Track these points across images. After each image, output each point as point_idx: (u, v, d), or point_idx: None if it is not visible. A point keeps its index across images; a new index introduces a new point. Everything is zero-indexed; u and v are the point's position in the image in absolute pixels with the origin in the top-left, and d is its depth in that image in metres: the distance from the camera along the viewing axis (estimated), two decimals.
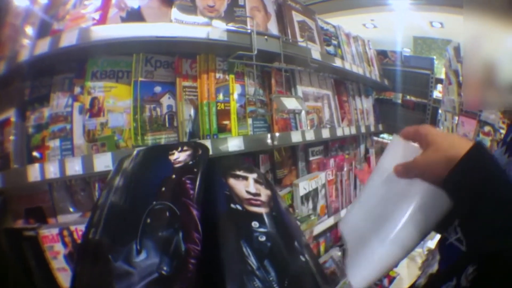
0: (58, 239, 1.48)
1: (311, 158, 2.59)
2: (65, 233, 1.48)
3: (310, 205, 2.29)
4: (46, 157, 1.60)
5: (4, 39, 1.71)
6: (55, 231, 1.48)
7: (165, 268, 0.86)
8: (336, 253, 2.59)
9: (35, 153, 1.64)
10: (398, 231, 0.78)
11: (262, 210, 1.12)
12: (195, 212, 0.97)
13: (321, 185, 2.44)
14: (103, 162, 1.44)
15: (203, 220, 0.98)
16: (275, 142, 1.86)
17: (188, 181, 1.04)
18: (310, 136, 2.19)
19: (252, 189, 1.20)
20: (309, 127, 2.30)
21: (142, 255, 0.88)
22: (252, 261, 0.94)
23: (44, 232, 1.48)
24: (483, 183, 0.68)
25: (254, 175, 1.28)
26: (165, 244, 0.90)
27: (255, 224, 1.05)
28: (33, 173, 1.47)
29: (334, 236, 2.74)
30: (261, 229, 1.04)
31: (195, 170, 1.07)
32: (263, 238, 1.01)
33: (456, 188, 0.73)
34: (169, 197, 1.00)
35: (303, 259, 1.03)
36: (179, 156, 1.14)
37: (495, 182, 0.68)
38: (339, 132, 2.61)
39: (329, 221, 2.51)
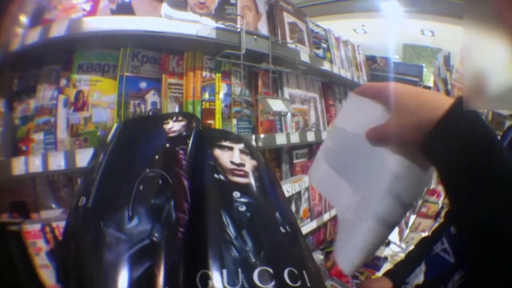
0: (41, 235, 1.45)
1: (295, 161, 2.58)
2: (47, 229, 1.45)
3: (293, 208, 2.27)
4: (31, 150, 1.58)
5: (3, 28, 1.69)
6: (37, 226, 1.45)
7: (156, 235, 0.85)
8: (318, 256, 2.59)
9: (20, 146, 1.61)
10: (378, 205, 0.72)
11: (245, 180, 1.13)
12: (186, 182, 0.98)
13: (305, 188, 2.43)
14: (86, 158, 1.39)
15: (190, 190, 0.98)
16: (259, 144, 1.85)
17: (181, 151, 1.05)
18: (295, 138, 2.19)
19: (237, 160, 1.20)
20: (294, 130, 2.29)
21: (134, 221, 0.88)
22: (231, 231, 0.95)
23: (27, 227, 1.46)
24: (468, 149, 0.60)
25: (241, 146, 1.28)
26: (157, 211, 0.90)
27: (236, 194, 1.06)
28: (18, 166, 1.44)
29: (316, 240, 2.74)
30: (242, 199, 1.04)
31: (188, 141, 1.09)
32: (243, 208, 1.01)
33: (436, 157, 0.65)
34: (162, 166, 1.01)
35: (283, 231, 1.03)
36: (174, 126, 1.15)
37: (484, 147, 0.60)
38: (324, 136, 2.59)
39: (311, 225, 2.50)
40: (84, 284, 0.86)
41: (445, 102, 0.63)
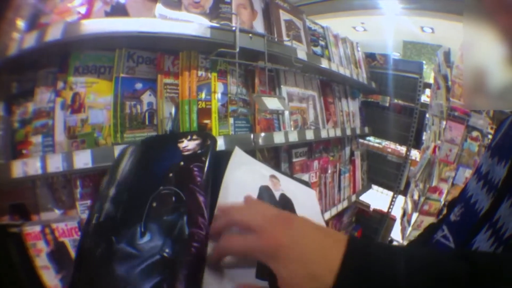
0: (41, 236, 1.46)
1: (294, 160, 2.57)
2: (47, 230, 1.47)
3: None
4: (30, 153, 1.59)
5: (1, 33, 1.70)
6: (37, 228, 1.47)
7: (167, 250, 0.86)
8: None
9: (19, 149, 1.62)
10: None
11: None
12: (201, 198, 0.97)
13: None
14: (83, 159, 1.43)
15: (207, 206, 0.97)
16: (259, 143, 1.85)
17: (196, 169, 1.05)
18: (293, 137, 2.18)
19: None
20: (292, 128, 2.29)
21: (146, 238, 0.90)
22: None
23: (27, 229, 1.47)
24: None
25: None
26: (169, 227, 0.91)
27: None
28: (17, 169, 1.45)
29: None
30: None
31: (203, 159, 1.08)
32: None
33: None
34: (176, 183, 1.01)
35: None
36: (188, 145, 1.15)
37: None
38: (323, 134, 2.60)
39: None
40: None
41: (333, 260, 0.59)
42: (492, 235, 0.76)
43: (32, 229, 1.47)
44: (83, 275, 0.91)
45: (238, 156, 1.18)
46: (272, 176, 1.17)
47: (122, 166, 1.16)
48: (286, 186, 1.15)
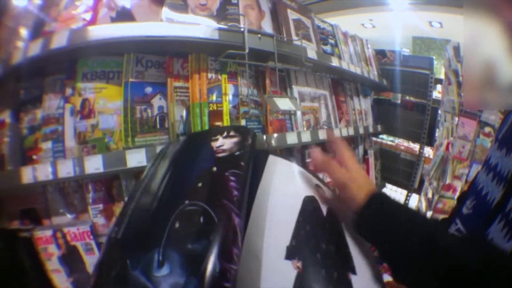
0: (52, 240, 1.48)
1: (308, 160, 2.54)
2: (59, 235, 1.48)
3: None
4: (40, 159, 1.59)
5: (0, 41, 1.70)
6: (49, 232, 1.48)
7: None
8: None
9: (29, 155, 1.63)
10: None
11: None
12: (236, 220, 0.77)
13: None
14: (94, 164, 1.43)
15: (242, 231, 0.81)
16: (272, 144, 1.83)
17: (232, 178, 0.84)
18: (306, 137, 2.15)
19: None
20: (305, 128, 2.26)
21: (164, 270, 0.72)
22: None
23: (38, 233, 1.48)
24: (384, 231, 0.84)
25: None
26: (195, 259, 0.71)
27: None
28: (27, 175, 1.45)
29: None
30: None
31: (242, 164, 0.88)
32: None
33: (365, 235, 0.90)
34: (206, 197, 0.82)
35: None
36: (224, 143, 0.95)
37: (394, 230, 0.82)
38: (336, 133, 2.57)
39: None
40: None
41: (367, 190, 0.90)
42: (506, 225, 0.78)
43: (43, 234, 1.48)
44: None
45: (275, 164, 1.00)
46: (318, 186, 1.01)
47: (148, 171, 1.00)
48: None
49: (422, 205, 3.95)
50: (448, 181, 3.47)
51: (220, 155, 0.91)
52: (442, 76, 3.94)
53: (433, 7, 5.83)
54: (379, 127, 3.66)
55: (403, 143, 4.21)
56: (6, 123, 1.66)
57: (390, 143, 4.32)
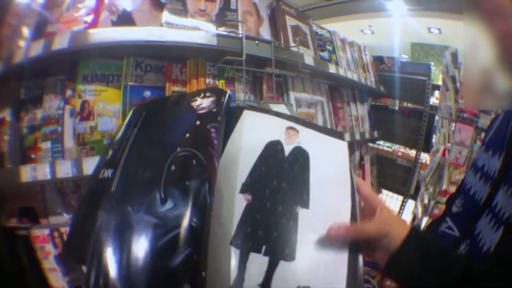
0: (49, 239, 1.50)
1: None
2: (56, 234, 1.50)
3: None
4: (39, 158, 1.61)
5: (1, 39, 1.72)
6: (46, 231, 1.50)
7: (194, 220, 0.80)
8: None
9: (28, 154, 1.64)
10: None
11: None
12: (216, 164, 0.91)
13: None
14: (92, 165, 1.41)
15: None
16: None
17: (212, 130, 0.97)
18: None
19: None
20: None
21: (168, 205, 0.83)
22: None
23: (36, 232, 1.50)
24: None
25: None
26: (194, 194, 0.84)
27: None
28: (26, 173, 1.47)
29: None
30: None
31: (219, 118, 1.00)
32: None
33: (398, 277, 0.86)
34: (194, 145, 0.94)
35: None
36: (202, 102, 1.06)
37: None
38: None
39: None
40: (109, 274, 0.79)
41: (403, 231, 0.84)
42: (493, 218, 0.85)
43: (40, 232, 1.50)
44: (96, 250, 0.83)
45: (247, 117, 1.08)
46: (290, 128, 1.09)
47: (131, 127, 1.09)
48: (306, 138, 1.07)
49: (418, 211, 3.96)
50: (444, 187, 3.49)
51: (201, 112, 1.03)
52: (440, 83, 3.96)
53: (432, 13, 5.84)
54: (375, 133, 3.67)
55: (400, 149, 4.23)
56: (7, 121, 1.68)
57: (387, 149, 4.34)
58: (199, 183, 0.85)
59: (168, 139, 1.00)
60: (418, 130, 3.81)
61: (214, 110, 1.03)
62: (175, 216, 0.80)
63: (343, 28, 3.69)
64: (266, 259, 0.81)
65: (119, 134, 1.12)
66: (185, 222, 0.79)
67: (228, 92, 1.10)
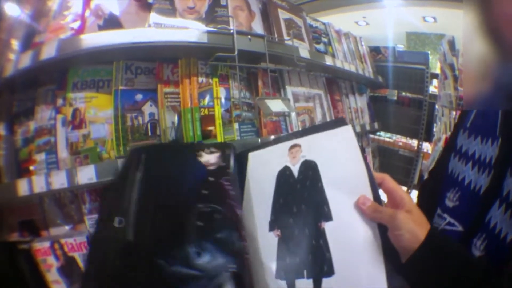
0: (50, 252, 1.48)
1: None
2: (56, 246, 1.48)
3: None
4: (34, 171, 1.59)
5: None
6: (46, 244, 1.48)
7: (232, 266, 0.92)
8: None
9: (24, 167, 1.63)
10: None
11: None
12: (238, 212, 1.03)
13: None
14: (87, 174, 1.41)
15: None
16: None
17: (226, 183, 1.08)
18: None
19: None
20: (300, 129, 2.24)
21: (206, 257, 0.93)
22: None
23: (37, 245, 1.48)
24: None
25: None
26: (226, 244, 0.96)
27: None
28: (23, 187, 1.45)
29: None
30: None
31: (228, 170, 1.12)
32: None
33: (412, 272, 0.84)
34: (215, 200, 1.04)
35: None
36: (210, 159, 1.16)
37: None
38: None
39: None
40: None
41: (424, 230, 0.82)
42: (508, 207, 0.82)
43: (41, 245, 1.48)
44: None
45: (253, 160, 1.17)
46: (291, 147, 1.13)
47: (135, 178, 1.14)
48: (309, 146, 1.10)
49: None
50: None
51: (211, 168, 1.13)
52: (438, 71, 3.93)
53: (426, 1, 5.85)
54: (376, 125, 3.63)
55: (401, 139, 4.21)
56: (1, 135, 1.67)
57: (388, 140, 4.31)
58: (228, 233, 0.98)
59: (184, 194, 1.09)
60: (418, 120, 3.79)
61: (223, 164, 1.14)
62: (215, 266, 0.92)
63: (337, 20, 3.66)
64: (310, 281, 0.87)
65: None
66: (226, 270, 0.91)
67: (231, 144, 1.23)
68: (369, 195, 0.95)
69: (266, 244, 0.98)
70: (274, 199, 1.03)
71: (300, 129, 2.21)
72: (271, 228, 0.98)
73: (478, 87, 0.77)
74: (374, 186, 0.97)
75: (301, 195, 1.00)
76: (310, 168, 1.05)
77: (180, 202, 1.06)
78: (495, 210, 0.86)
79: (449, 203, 1.05)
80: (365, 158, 1.03)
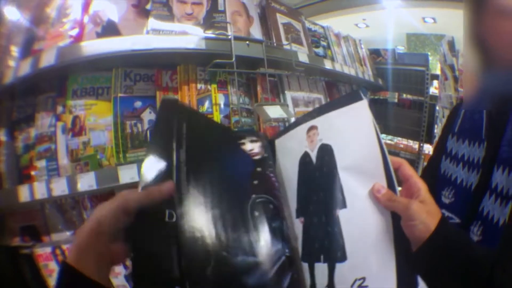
0: (52, 257, 1.49)
1: None
2: (58, 251, 1.49)
3: None
4: (35, 177, 1.60)
5: None
6: (48, 249, 1.49)
7: (287, 251, 0.95)
8: None
9: (25, 173, 1.64)
10: None
11: None
12: (283, 201, 1.05)
13: None
14: (87, 181, 1.43)
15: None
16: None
17: (271, 174, 1.09)
18: None
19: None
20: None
21: (266, 246, 0.95)
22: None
23: (38, 250, 1.50)
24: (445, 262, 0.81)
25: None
26: (280, 232, 0.98)
27: None
28: (24, 193, 1.47)
29: None
30: None
31: (270, 162, 1.12)
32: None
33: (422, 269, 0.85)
34: (265, 191, 1.05)
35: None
36: (254, 148, 1.14)
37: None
38: None
39: None
40: None
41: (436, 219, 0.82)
42: (497, 197, 0.95)
43: (43, 250, 1.50)
44: None
45: (279, 147, 1.19)
46: (309, 130, 1.10)
47: (178, 148, 1.00)
48: (326, 127, 1.07)
49: None
50: None
51: (256, 157, 1.12)
52: (438, 72, 3.93)
53: (425, 2, 5.83)
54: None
55: (402, 141, 4.20)
56: (2, 141, 1.68)
57: (389, 142, 4.30)
58: (280, 222, 1.00)
59: (237, 185, 1.07)
60: (419, 122, 3.78)
61: (266, 155, 1.13)
62: (275, 252, 0.95)
63: (337, 23, 3.66)
64: (325, 265, 0.91)
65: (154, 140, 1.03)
66: (284, 255, 0.95)
67: (264, 133, 1.23)
68: (383, 180, 0.93)
69: (296, 231, 1.02)
70: (299, 186, 1.06)
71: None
72: (297, 216, 1.02)
73: (473, 89, 0.84)
74: (389, 171, 0.94)
75: (319, 183, 1.01)
76: (326, 153, 1.04)
77: (235, 193, 1.04)
78: (486, 201, 0.99)
79: (445, 200, 1.18)
80: (380, 139, 1.01)
